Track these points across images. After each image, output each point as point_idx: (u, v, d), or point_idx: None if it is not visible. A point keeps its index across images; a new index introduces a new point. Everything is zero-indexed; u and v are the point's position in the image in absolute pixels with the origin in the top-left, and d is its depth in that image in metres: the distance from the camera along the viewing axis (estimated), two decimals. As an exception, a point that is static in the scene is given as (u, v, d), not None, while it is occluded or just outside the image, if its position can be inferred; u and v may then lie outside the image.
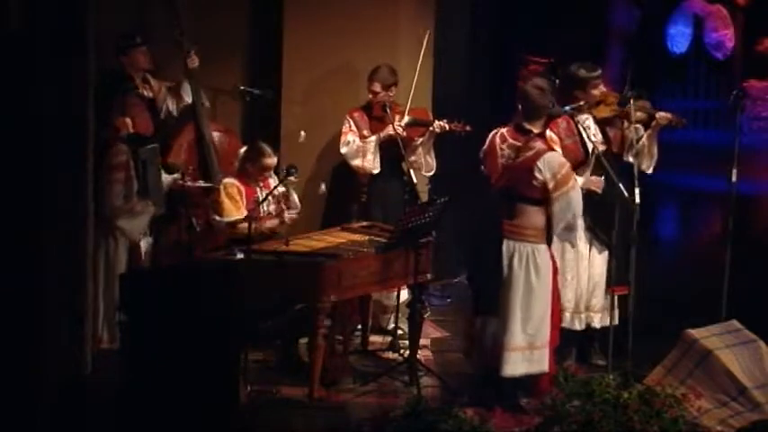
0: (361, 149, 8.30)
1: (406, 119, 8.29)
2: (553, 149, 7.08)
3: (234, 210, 7.62)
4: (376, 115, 8.36)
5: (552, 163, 6.87)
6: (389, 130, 8.24)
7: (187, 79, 8.09)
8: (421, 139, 8.37)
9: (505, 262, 6.92)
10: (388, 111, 8.30)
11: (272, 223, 7.72)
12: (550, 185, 6.84)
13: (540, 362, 6.95)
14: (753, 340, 7.11)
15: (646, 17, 9.40)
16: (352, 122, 8.37)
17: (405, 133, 8.26)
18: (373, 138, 8.30)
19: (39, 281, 5.96)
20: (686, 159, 8.67)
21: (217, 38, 8.70)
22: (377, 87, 8.29)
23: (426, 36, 8.32)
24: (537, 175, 6.84)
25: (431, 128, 8.30)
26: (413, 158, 8.40)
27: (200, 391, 5.92)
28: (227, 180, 7.75)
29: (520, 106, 7.05)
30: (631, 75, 8.51)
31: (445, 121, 8.26)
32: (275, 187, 7.58)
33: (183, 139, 8.21)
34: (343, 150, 8.33)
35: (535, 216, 6.93)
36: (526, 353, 6.94)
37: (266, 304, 7.14)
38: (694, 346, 6.99)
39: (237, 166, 7.87)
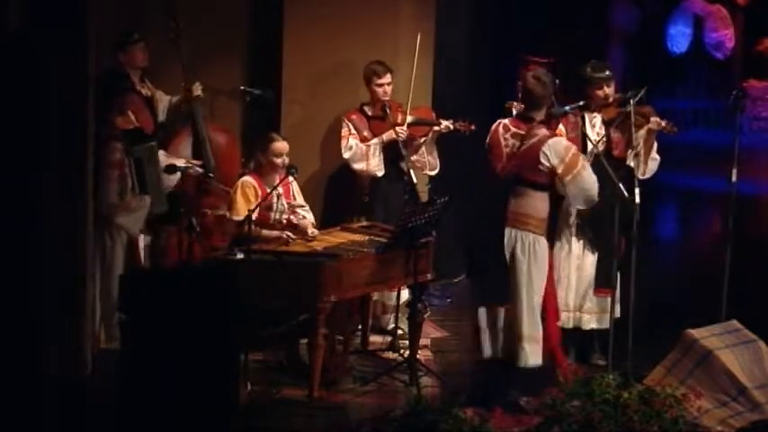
0: (364, 153, 8.28)
1: (410, 118, 8.27)
2: (556, 135, 7.15)
3: (245, 209, 7.53)
4: (375, 115, 8.35)
5: (558, 148, 6.97)
6: (392, 134, 8.23)
7: (190, 106, 8.13)
8: (424, 139, 8.36)
9: (509, 250, 6.99)
10: (388, 111, 8.30)
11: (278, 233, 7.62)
12: (560, 170, 6.94)
13: (537, 355, 7.02)
14: (753, 340, 7.11)
15: (646, 17, 9.41)
16: (351, 125, 8.34)
17: (406, 135, 8.25)
18: (376, 140, 8.29)
19: (39, 280, 5.96)
20: (686, 159, 8.67)
21: (217, 38, 8.70)
22: (388, 78, 8.25)
23: (419, 38, 8.31)
24: (543, 161, 6.94)
25: (436, 127, 8.30)
26: (415, 158, 8.40)
27: (201, 392, 5.92)
28: (245, 178, 7.65)
29: (520, 96, 7.12)
30: (632, 75, 8.52)
31: (451, 120, 8.25)
32: (275, 187, 7.55)
33: (180, 139, 8.22)
34: (346, 155, 8.30)
35: (539, 203, 7.00)
36: (531, 344, 7.03)
37: (269, 311, 7.13)
38: (694, 346, 6.99)
39: (253, 164, 7.80)
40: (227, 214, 7.65)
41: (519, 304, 7.00)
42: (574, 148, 7.08)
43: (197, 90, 8.17)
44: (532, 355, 7.00)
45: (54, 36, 5.95)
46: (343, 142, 8.31)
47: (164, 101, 8.20)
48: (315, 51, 8.69)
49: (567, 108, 7.76)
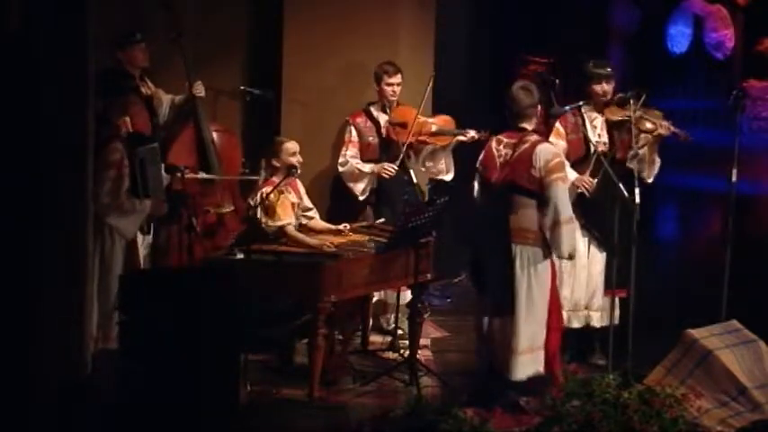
0: (355, 175, 8.26)
1: (434, 128, 8.26)
2: (549, 142, 7.15)
3: (285, 214, 7.42)
4: (396, 122, 8.29)
5: (547, 152, 6.93)
6: (382, 171, 8.19)
7: (191, 103, 8.14)
8: (445, 145, 8.31)
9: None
10: (388, 111, 8.29)
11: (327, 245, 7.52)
12: (543, 172, 6.86)
13: (539, 363, 6.99)
14: (753, 340, 7.11)
15: (646, 17, 9.41)
16: (354, 131, 8.32)
17: (393, 173, 8.19)
18: (368, 169, 8.25)
19: (39, 281, 5.96)
20: (686, 159, 8.66)
21: (217, 38, 8.70)
22: (398, 78, 8.22)
23: (430, 82, 8.32)
24: (534, 163, 6.89)
25: (461, 138, 8.24)
26: (430, 164, 8.36)
27: (200, 392, 5.92)
28: (263, 190, 7.47)
29: (507, 111, 7.06)
30: (632, 75, 8.52)
31: (474, 130, 8.18)
32: (276, 187, 7.53)
33: (183, 138, 8.21)
34: (340, 169, 8.30)
35: (533, 214, 6.94)
36: (530, 355, 6.98)
37: (270, 312, 7.13)
38: (694, 346, 6.99)
39: (265, 174, 7.70)
40: (267, 220, 7.51)
41: (518, 319, 6.94)
42: (561, 158, 7.06)
43: (199, 90, 8.18)
44: (531, 364, 6.98)
45: (54, 36, 5.94)
46: (342, 151, 8.31)
47: (164, 100, 8.19)
48: (315, 51, 8.69)
49: (567, 108, 7.78)
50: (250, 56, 8.94)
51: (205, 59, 8.45)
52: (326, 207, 8.61)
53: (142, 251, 7.64)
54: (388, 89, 8.26)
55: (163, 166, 7.62)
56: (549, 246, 6.97)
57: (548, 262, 7.02)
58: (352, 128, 8.33)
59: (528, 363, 6.97)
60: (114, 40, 7.89)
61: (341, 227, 7.67)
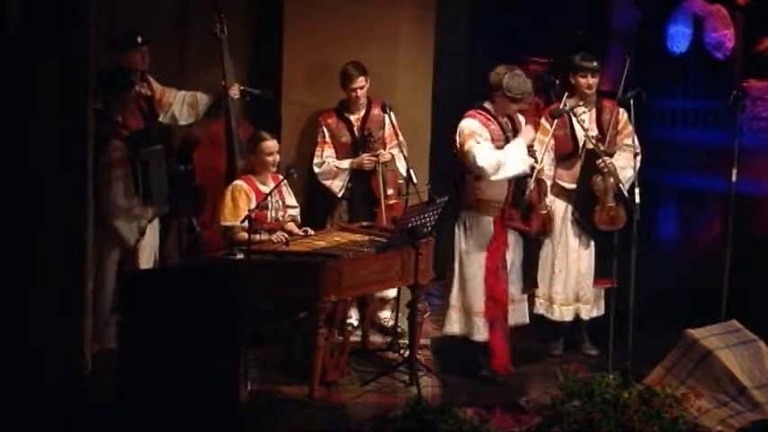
0: (333, 173, 8.21)
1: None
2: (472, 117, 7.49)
3: (233, 215, 7.45)
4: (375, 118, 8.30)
5: (460, 128, 7.40)
6: (363, 162, 8.17)
7: (224, 103, 8.20)
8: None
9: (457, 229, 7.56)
10: (388, 110, 8.27)
11: (277, 237, 7.48)
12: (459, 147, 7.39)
13: (472, 328, 7.50)
14: (753, 340, 7.12)
15: (646, 17, 9.41)
16: (326, 132, 8.27)
17: (372, 164, 8.18)
18: (346, 164, 8.22)
19: (39, 280, 5.96)
20: (686, 159, 8.68)
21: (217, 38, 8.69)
22: (361, 81, 8.18)
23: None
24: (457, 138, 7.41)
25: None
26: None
27: (200, 391, 5.92)
28: (236, 182, 7.59)
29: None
30: (630, 74, 8.52)
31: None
32: (274, 188, 7.55)
33: (212, 136, 8.24)
34: (316, 170, 8.22)
35: (472, 185, 7.40)
36: (461, 316, 7.56)
37: (268, 309, 7.12)
38: (694, 346, 6.99)
39: (242, 165, 7.78)
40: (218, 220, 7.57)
41: (451, 276, 7.58)
42: (470, 129, 7.37)
43: (234, 92, 8.20)
44: (460, 325, 7.59)
45: (53, 35, 5.94)
46: (317, 152, 8.24)
47: (176, 98, 8.15)
48: (314, 52, 8.68)
49: (567, 108, 7.78)
50: (250, 56, 8.93)
51: (205, 59, 8.45)
52: (326, 207, 8.60)
53: (145, 255, 7.63)
54: (353, 94, 8.24)
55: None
56: (492, 214, 7.40)
57: (489, 231, 7.40)
58: (324, 129, 8.29)
59: (458, 321, 7.57)
60: (114, 41, 7.85)
61: (300, 231, 7.68)
